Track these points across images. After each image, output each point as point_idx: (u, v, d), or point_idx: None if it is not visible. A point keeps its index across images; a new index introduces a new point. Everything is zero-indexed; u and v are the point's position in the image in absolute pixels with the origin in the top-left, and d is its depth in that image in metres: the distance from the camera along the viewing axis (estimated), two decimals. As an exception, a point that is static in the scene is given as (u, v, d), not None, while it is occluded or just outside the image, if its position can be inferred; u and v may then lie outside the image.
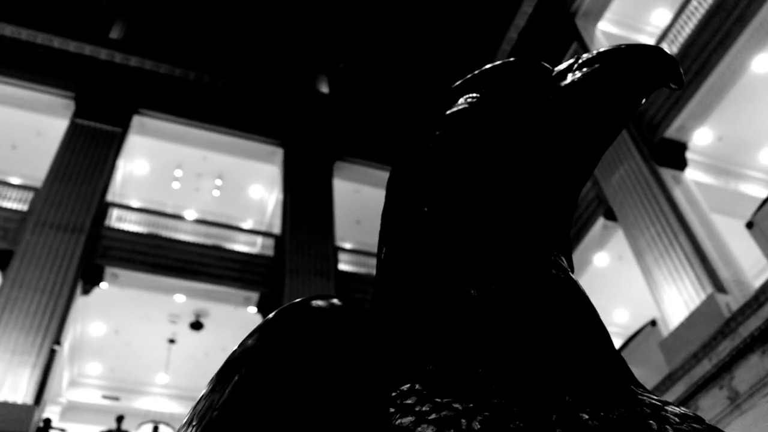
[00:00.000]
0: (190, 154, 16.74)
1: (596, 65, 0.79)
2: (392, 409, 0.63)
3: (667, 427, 0.57)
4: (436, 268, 0.75)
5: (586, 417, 0.56)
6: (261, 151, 16.91)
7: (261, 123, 16.88)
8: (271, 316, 0.68)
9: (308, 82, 18.73)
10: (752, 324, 8.41)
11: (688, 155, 12.15)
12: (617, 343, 13.97)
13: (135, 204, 15.96)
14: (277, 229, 15.52)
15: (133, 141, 15.81)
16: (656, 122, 12.23)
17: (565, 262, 0.79)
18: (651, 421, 0.57)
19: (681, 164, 11.93)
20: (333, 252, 14.64)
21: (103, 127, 14.76)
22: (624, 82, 0.78)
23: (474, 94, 0.86)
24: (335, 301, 0.69)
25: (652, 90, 0.79)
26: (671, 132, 11.95)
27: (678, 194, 11.28)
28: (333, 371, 0.61)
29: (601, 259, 13.96)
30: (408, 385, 0.64)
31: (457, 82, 0.89)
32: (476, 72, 0.89)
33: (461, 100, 0.87)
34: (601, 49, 0.81)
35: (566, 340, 0.67)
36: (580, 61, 0.82)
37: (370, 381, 0.62)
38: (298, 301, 0.69)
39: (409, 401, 0.62)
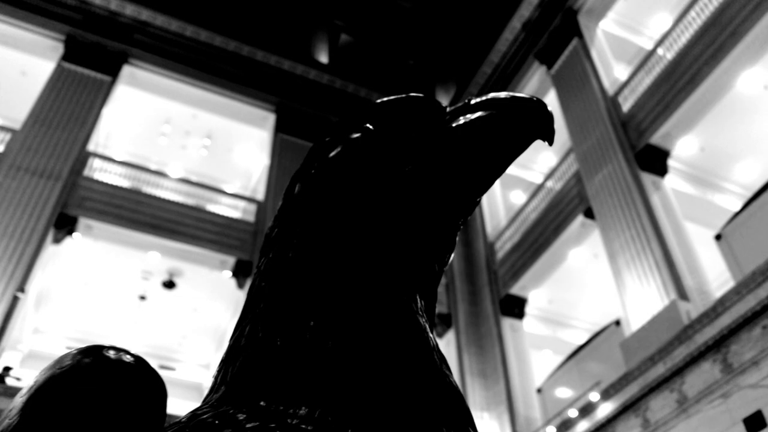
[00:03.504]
0: (181, 110, 16.53)
1: (484, 113, 0.84)
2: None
3: None
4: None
5: None
6: (253, 116, 16.77)
7: (256, 87, 16.72)
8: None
9: (308, 51, 18.58)
10: (708, 333, 8.61)
11: (670, 162, 12.26)
12: (582, 338, 14.21)
13: (118, 156, 15.80)
14: (260, 195, 15.47)
15: (122, 91, 15.61)
16: (643, 127, 12.30)
17: (423, 310, 0.85)
18: None
19: (662, 170, 12.04)
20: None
21: (92, 73, 14.54)
22: (506, 133, 0.82)
23: (369, 125, 0.90)
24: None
25: (528, 143, 0.84)
26: (656, 138, 12.04)
27: (655, 200, 11.41)
28: None
29: (576, 256, 14.12)
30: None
31: (361, 108, 0.93)
32: (376, 102, 0.93)
33: (358, 128, 0.91)
34: (491, 95, 0.85)
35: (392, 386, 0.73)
36: (471, 103, 0.86)
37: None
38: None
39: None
